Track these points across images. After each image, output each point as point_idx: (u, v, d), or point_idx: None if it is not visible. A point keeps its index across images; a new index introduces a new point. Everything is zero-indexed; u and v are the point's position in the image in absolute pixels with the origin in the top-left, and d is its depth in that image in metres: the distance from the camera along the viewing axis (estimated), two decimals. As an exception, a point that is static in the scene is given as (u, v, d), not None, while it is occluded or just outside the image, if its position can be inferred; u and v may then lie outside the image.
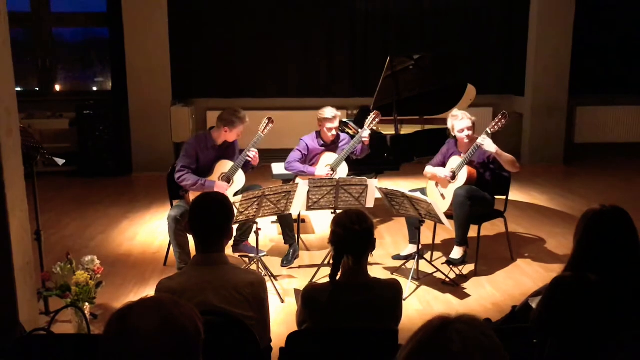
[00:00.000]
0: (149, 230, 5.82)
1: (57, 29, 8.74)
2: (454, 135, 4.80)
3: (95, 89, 9.31)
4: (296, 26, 8.59)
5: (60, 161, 4.09)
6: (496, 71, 9.04)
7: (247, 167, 4.79)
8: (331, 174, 5.02)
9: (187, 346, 1.26)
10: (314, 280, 4.43)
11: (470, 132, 4.70)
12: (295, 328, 2.58)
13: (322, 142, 5.20)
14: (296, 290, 3.18)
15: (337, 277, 2.48)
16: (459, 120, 4.70)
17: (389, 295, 2.46)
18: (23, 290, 3.28)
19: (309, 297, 2.45)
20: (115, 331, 1.24)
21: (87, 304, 3.61)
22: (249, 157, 4.70)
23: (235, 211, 3.99)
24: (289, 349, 2.28)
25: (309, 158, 5.20)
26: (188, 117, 8.27)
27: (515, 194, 6.73)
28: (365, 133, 5.03)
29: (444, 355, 1.18)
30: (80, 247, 5.25)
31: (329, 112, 5.07)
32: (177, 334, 1.24)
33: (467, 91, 6.29)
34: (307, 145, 5.17)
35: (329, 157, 5.13)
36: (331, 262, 2.51)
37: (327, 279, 2.55)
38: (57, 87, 8.81)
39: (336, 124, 5.11)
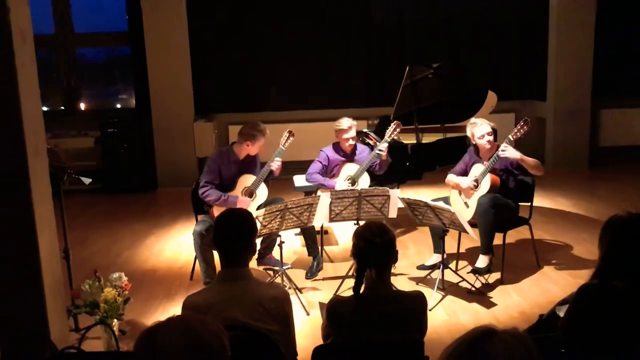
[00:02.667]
0: (175, 246, 5.88)
1: (80, 50, 8.94)
2: (474, 143, 4.78)
3: (119, 106, 9.47)
4: (313, 38, 8.65)
5: (87, 180, 4.16)
6: (517, 76, 8.98)
7: (269, 177, 4.82)
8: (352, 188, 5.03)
9: None
10: (338, 292, 4.44)
11: (490, 138, 4.68)
12: (321, 341, 2.60)
13: (342, 153, 5.22)
14: (321, 304, 3.20)
15: (361, 290, 2.48)
16: (478, 127, 4.69)
17: (414, 307, 2.46)
18: (53, 308, 3.35)
19: (334, 311, 2.47)
20: (144, 350, 1.27)
21: (115, 320, 3.67)
22: (272, 167, 4.73)
23: (259, 225, 4.02)
24: (315, 363, 2.29)
25: (330, 169, 5.22)
26: (210, 132, 8.37)
27: (540, 200, 6.66)
28: (382, 146, 5.03)
29: None
30: (107, 263, 5.33)
31: (345, 122, 5.09)
32: (204, 353, 1.27)
33: (488, 98, 6.26)
34: (327, 156, 5.20)
35: (350, 168, 5.15)
36: (355, 274, 2.52)
37: (351, 291, 2.55)
38: (82, 106, 8.99)
39: (352, 133, 5.12)
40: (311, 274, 4.89)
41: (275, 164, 4.74)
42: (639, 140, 8.95)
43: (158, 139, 8.26)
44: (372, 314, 2.41)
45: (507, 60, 8.92)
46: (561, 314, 2.49)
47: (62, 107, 8.88)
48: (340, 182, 5.13)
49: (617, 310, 2.22)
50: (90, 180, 4.24)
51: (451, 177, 4.90)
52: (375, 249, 2.42)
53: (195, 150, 8.31)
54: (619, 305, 2.22)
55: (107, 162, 8.20)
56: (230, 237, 2.45)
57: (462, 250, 5.18)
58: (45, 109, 8.61)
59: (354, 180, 5.11)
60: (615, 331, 2.20)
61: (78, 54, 8.87)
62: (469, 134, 4.79)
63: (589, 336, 2.25)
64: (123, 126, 8.22)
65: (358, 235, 2.49)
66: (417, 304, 2.48)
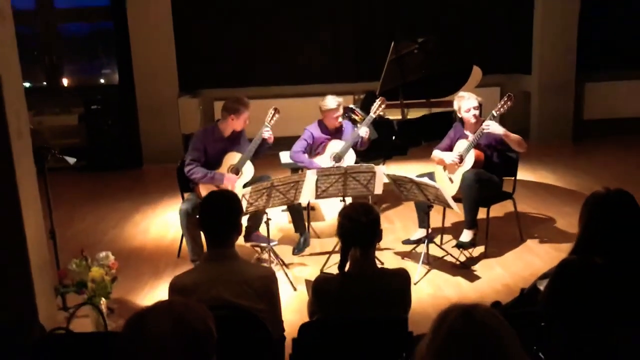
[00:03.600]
0: (162, 223, 5.89)
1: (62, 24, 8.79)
2: (460, 116, 4.81)
3: (102, 81, 9.35)
4: (300, 12, 8.57)
5: (72, 160, 4.15)
6: (502, 50, 8.98)
7: (264, 146, 4.81)
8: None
9: (199, 347, 1.31)
10: (325, 267, 4.49)
11: (477, 112, 4.73)
12: (307, 317, 2.64)
13: (327, 131, 5.22)
14: (307, 281, 3.23)
15: (346, 269, 2.52)
16: (465, 100, 4.73)
17: (397, 284, 2.51)
18: (41, 288, 3.36)
19: (319, 289, 2.51)
20: (131, 335, 1.30)
21: (103, 299, 3.69)
22: (264, 135, 4.73)
23: (245, 202, 4.04)
24: (301, 340, 2.33)
25: (315, 146, 5.23)
26: (196, 108, 8.32)
27: (524, 174, 6.73)
28: (362, 131, 5.05)
29: (477, 341, 1.27)
30: (94, 242, 5.33)
31: (332, 102, 5.08)
32: (189, 336, 1.30)
33: (473, 73, 6.27)
34: (312, 134, 5.21)
35: (335, 145, 5.16)
36: (340, 252, 2.56)
37: (337, 267, 2.60)
38: (65, 82, 8.88)
39: (341, 111, 5.13)
40: (298, 250, 4.93)
41: (267, 133, 4.73)
42: (623, 113, 9.03)
43: (142, 115, 8.20)
44: (357, 291, 2.46)
45: (492, 34, 8.91)
46: (542, 288, 2.55)
47: (45, 83, 8.77)
48: (326, 160, 5.14)
49: (596, 285, 2.27)
50: (75, 159, 4.23)
51: (436, 153, 4.93)
52: (360, 228, 2.46)
53: (181, 126, 8.26)
54: (597, 281, 2.27)
55: (92, 139, 8.14)
56: (216, 218, 2.47)
57: (447, 224, 5.24)
58: (27, 85, 8.50)
59: (339, 157, 5.12)
60: (593, 305, 2.26)
61: (60, 27, 8.73)
62: (455, 107, 4.83)
63: (567, 310, 2.31)
64: (107, 103, 8.15)
65: (343, 215, 2.52)
66: (401, 281, 2.52)
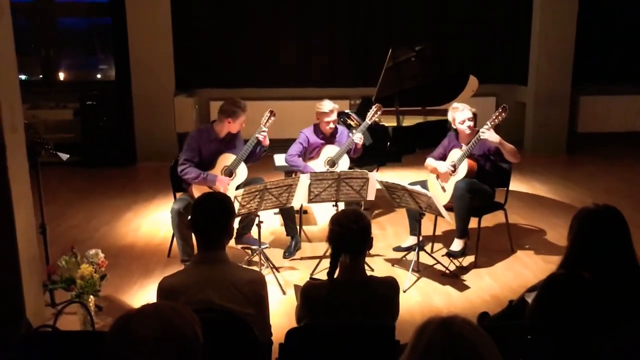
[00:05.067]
0: (153, 222, 5.88)
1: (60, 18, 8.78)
2: (454, 127, 4.83)
3: (99, 76, 9.33)
4: (298, 16, 8.59)
5: (65, 156, 4.13)
6: (499, 61, 9.04)
7: (259, 151, 4.82)
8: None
9: (185, 351, 1.32)
10: (315, 272, 4.50)
11: (471, 123, 4.73)
12: (295, 322, 2.64)
13: (322, 135, 5.23)
14: (296, 286, 3.25)
15: (335, 275, 2.53)
16: (459, 112, 4.73)
17: (386, 292, 2.51)
18: (29, 283, 3.35)
19: (308, 295, 2.51)
20: (116, 338, 1.30)
21: (92, 296, 3.68)
22: (258, 137, 4.73)
23: (237, 204, 4.04)
24: (288, 345, 2.33)
25: (309, 150, 5.24)
26: (191, 107, 8.32)
27: (517, 185, 6.76)
28: (357, 137, 5.06)
29: (454, 352, 1.27)
30: (85, 238, 5.32)
31: (326, 105, 5.10)
32: (176, 341, 1.30)
33: (469, 82, 6.30)
34: (307, 137, 5.22)
35: (330, 150, 5.17)
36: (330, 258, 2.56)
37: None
38: (61, 76, 8.86)
39: (334, 117, 5.14)
40: (289, 253, 4.93)
41: (262, 135, 4.74)
42: (616, 127, 9.11)
43: (138, 112, 8.19)
44: (345, 298, 2.46)
45: (490, 44, 8.97)
46: (530, 301, 2.56)
47: (41, 77, 8.74)
48: (320, 164, 5.15)
49: (583, 299, 2.29)
50: (68, 156, 4.22)
51: (430, 161, 4.95)
52: (350, 235, 2.46)
53: (176, 125, 8.25)
54: (585, 295, 2.29)
55: (86, 135, 8.12)
56: (208, 221, 2.47)
57: (438, 232, 5.25)
58: (23, 77, 8.48)
59: (333, 162, 5.13)
60: (580, 320, 2.27)
61: (58, 21, 8.72)
62: (450, 118, 4.84)
63: (555, 324, 2.32)
64: (102, 99, 8.14)
65: (334, 221, 2.53)
66: (389, 289, 2.53)
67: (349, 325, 2.39)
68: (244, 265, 3.93)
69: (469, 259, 4.79)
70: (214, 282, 2.37)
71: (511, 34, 9.01)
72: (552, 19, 8.39)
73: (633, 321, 2.29)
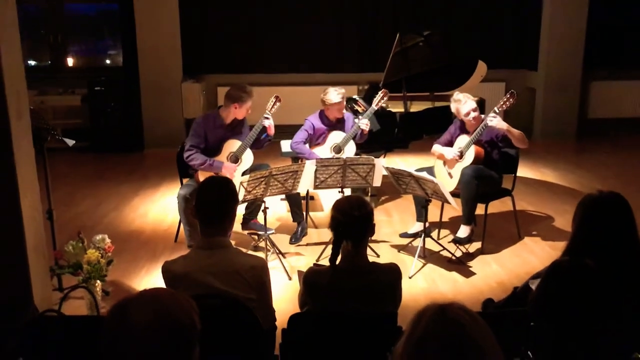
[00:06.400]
0: (161, 207, 5.90)
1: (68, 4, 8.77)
2: (460, 119, 4.80)
3: (107, 62, 9.33)
4: (305, 1, 8.53)
5: (71, 142, 4.15)
6: (509, 45, 8.92)
7: (264, 137, 4.81)
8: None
9: (180, 338, 1.33)
10: (320, 258, 4.50)
11: (476, 113, 4.69)
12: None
13: (327, 122, 5.21)
14: (299, 272, 3.23)
15: (337, 262, 2.53)
16: (462, 105, 4.68)
17: (388, 279, 2.51)
18: (36, 268, 3.38)
19: (310, 281, 2.51)
20: (114, 322, 1.32)
21: (98, 281, 3.71)
22: (264, 123, 4.72)
23: (243, 190, 4.05)
24: (291, 331, 2.34)
25: (315, 137, 5.22)
26: (199, 93, 8.31)
27: (526, 171, 6.72)
28: (363, 123, 5.05)
29: (450, 339, 1.27)
30: (92, 224, 5.35)
31: (336, 96, 5.05)
32: (170, 327, 1.31)
33: (478, 68, 6.24)
34: (312, 124, 5.20)
35: (336, 136, 5.15)
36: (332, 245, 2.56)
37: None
38: (70, 62, 8.86)
39: (343, 104, 5.13)
40: (295, 239, 4.94)
41: (267, 121, 4.73)
42: (627, 113, 9.00)
43: (145, 98, 8.19)
44: (347, 285, 2.46)
45: (499, 29, 8.85)
46: (534, 288, 2.55)
47: (49, 62, 8.75)
48: (326, 151, 5.14)
49: (587, 287, 2.27)
50: (74, 142, 4.23)
51: (436, 148, 4.92)
52: (353, 221, 2.45)
53: (183, 110, 8.25)
54: (588, 283, 2.27)
55: (94, 120, 8.13)
56: (211, 206, 2.47)
57: (444, 219, 5.24)
58: (32, 63, 8.49)
59: (339, 148, 5.12)
60: (583, 308, 2.26)
61: (67, 7, 8.70)
62: (453, 109, 4.79)
63: (557, 312, 2.31)
64: (110, 84, 8.13)
65: (336, 208, 2.52)
66: (391, 276, 2.52)
67: (351, 312, 2.40)
68: (247, 251, 3.94)
69: (476, 246, 4.78)
70: (216, 267, 2.38)
71: (521, 18, 8.89)
72: (562, 2, 8.28)
73: (636, 309, 2.27)
